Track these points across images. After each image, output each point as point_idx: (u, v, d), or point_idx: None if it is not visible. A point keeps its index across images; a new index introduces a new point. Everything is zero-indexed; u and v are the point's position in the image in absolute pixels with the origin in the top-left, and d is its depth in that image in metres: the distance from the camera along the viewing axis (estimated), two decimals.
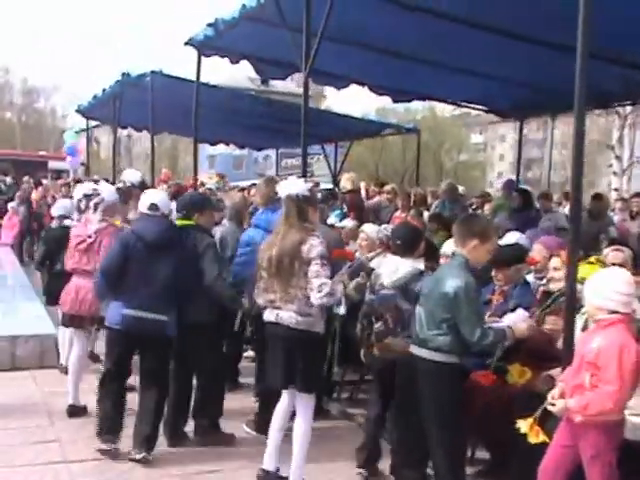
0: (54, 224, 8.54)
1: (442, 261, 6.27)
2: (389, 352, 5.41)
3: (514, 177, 14.59)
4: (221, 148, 32.76)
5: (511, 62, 9.42)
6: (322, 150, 17.89)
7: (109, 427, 5.84)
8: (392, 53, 9.45)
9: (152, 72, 12.04)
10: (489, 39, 8.41)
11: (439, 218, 9.96)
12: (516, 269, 6.07)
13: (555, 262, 5.75)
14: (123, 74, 12.97)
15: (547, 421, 4.25)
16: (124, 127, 17.37)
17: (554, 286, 5.62)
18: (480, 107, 13.24)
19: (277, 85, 43.08)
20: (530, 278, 6.36)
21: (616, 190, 26.97)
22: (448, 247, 6.39)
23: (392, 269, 5.49)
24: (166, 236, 5.92)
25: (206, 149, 42.95)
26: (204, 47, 10.01)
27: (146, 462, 5.65)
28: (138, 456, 5.67)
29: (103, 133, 43.02)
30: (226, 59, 10.24)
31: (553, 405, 4.16)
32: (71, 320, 6.93)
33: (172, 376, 6.09)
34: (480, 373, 5.36)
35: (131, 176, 8.71)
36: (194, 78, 10.22)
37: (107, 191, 7.05)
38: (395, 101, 12.02)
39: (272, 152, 44.22)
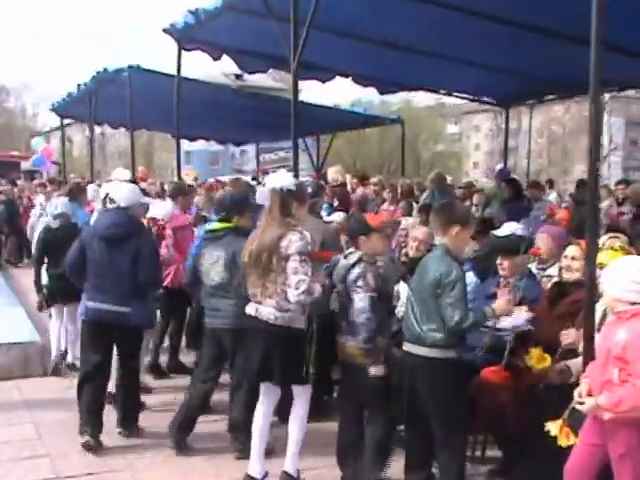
0: (54, 224, 8.15)
1: None
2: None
3: (499, 166, 14.46)
4: (197, 144, 32.48)
5: (498, 50, 9.27)
6: (304, 143, 17.59)
7: (87, 420, 5.92)
8: (380, 43, 9.25)
9: (129, 67, 11.75)
10: (477, 27, 8.24)
11: (428, 209, 9.76)
12: (522, 259, 5.87)
13: (572, 251, 5.44)
14: (99, 70, 12.66)
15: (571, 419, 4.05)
16: (100, 124, 16.98)
17: (569, 275, 5.38)
18: (465, 96, 13.05)
19: (252, 80, 42.73)
20: (532, 269, 6.18)
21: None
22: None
23: None
24: (121, 230, 5.96)
25: (182, 145, 42.63)
26: (184, 39, 9.78)
27: (126, 436, 6.06)
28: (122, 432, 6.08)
29: (76, 132, 42.55)
30: (206, 55, 10.03)
31: (582, 404, 3.94)
32: None
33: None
34: (492, 369, 5.16)
35: (121, 175, 8.68)
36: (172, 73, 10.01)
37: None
38: (381, 93, 11.78)
39: (249, 147, 44.32)
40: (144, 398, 6.72)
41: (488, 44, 8.98)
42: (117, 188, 6.41)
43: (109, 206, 6.25)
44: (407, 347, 4.75)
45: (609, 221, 10.51)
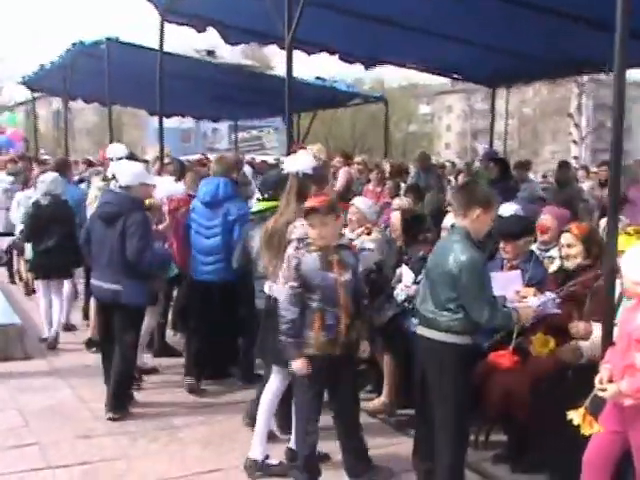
0: (44, 200, 8.05)
1: (443, 235, 5.90)
2: None
3: (481, 147, 14.35)
4: (169, 122, 32.02)
5: (489, 28, 9.07)
6: (284, 121, 17.29)
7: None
8: (367, 18, 9.00)
9: (108, 39, 11.34)
10: (467, 3, 8.05)
11: (416, 189, 9.62)
12: (525, 242, 5.76)
13: (567, 238, 5.38)
14: (74, 43, 12.25)
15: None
16: (73, 99, 16.52)
17: (570, 263, 5.29)
18: (453, 75, 12.87)
19: (224, 56, 42.15)
20: (534, 249, 6.02)
21: (576, 158, 27.05)
22: (448, 220, 6.08)
23: None
24: (114, 208, 6.08)
25: (153, 122, 42.02)
26: (167, 12, 9.48)
27: (114, 420, 5.98)
28: (108, 415, 6.03)
29: (41, 106, 41.73)
30: (190, 28, 9.74)
31: (603, 390, 3.79)
32: None
33: None
34: (500, 354, 4.99)
35: (118, 151, 8.41)
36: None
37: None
38: (367, 68, 11.53)
39: (220, 125, 43.75)
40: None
41: (478, 21, 8.78)
42: (119, 167, 6.38)
43: (113, 185, 6.30)
44: (421, 331, 4.57)
45: (597, 203, 10.42)
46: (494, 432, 5.48)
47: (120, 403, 6.15)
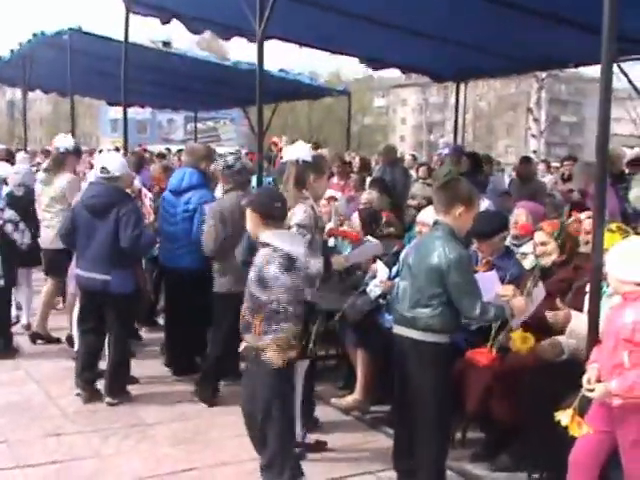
0: (17, 191, 8.00)
1: (421, 230, 5.87)
2: None
3: (442, 140, 14.41)
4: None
5: (453, 22, 9.05)
6: (244, 113, 17.24)
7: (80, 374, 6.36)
8: (334, 11, 8.93)
9: (70, 29, 11.16)
10: None
11: (381, 183, 9.58)
12: (500, 238, 5.77)
13: (540, 236, 5.50)
14: (35, 33, 12.03)
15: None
16: (32, 89, 16.23)
17: (546, 261, 5.35)
18: (416, 70, 12.88)
19: (180, 48, 41.77)
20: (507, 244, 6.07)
21: (535, 152, 27.35)
22: (427, 215, 6.06)
23: None
24: (103, 200, 6.16)
25: (108, 113, 41.53)
26: (132, 3, 9.35)
27: (112, 405, 6.20)
28: (107, 399, 6.23)
29: None
30: (153, 19, 9.60)
31: (592, 390, 3.78)
32: None
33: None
34: (477, 351, 5.01)
35: (64, 142, 8.30)
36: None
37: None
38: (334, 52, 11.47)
39: (176, 116, 43.47)
40: None
41: (441, 16, 8.77)
42: (110, 158, 6.66)
43: (99, 176, 6.32)
44: (398, 330, 4.56)
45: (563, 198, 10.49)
46: (471, 430, 5.48)
47: (120, 386, 6.35)
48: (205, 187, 7.13)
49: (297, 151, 5.26)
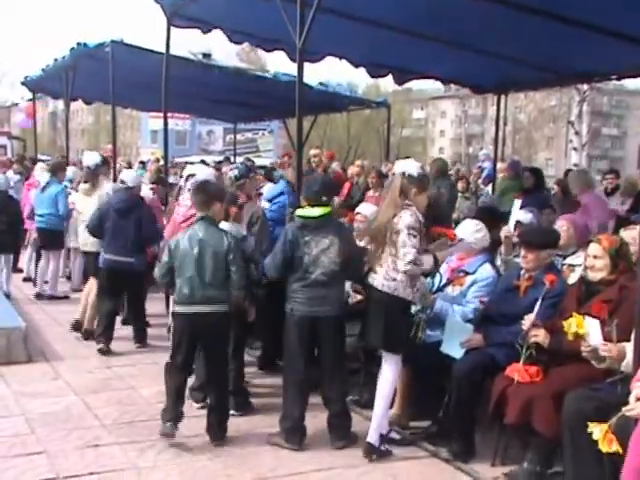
0: None
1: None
2: None
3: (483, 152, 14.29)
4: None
5: (495, 34, 8.97)
6: (284, 124, 17.26)
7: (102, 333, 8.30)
8: (378, 25, 8.91)
9: (112, 42, 11.25)
10: (477, 10, 7.96)
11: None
12: (548, 254, 5.66)
13: (594, 249, 5.10)
14: (78, 44, 12.16)
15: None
16: (74, 100, 16.43)
17: (594, 275, 5.12)
18: (457, 82, 12.79)
19: (219, 60, 42.07)
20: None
21: (576, 165, 27.02)
22: (462, 231, 6.18)
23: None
24: (127, 204, 8.31)
25: (149, 124, 41.94)
26: (174, 16, 9.41)
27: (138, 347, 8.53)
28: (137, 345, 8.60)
29: (37, 107, 41.61)
30: (192, 29, 9.65)
31: (633, 410, 3.64)
32: None
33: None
34: (513, 368, 5.03)
35: (92, 159, 9.77)
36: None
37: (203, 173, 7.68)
38: (372, 76, 11.47)
39: (215, 127, 43.72)
40: None
41: (483, 28, 8.69)
42: (128, 174, 8.97)
43: (120, 186, 8.66)
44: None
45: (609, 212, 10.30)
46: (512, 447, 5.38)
47: (144, 338, 8.59)
48: None
49: (406, 166, 5.60)
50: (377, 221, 5.64)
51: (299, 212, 5.80)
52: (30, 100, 20.02)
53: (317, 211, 5.63)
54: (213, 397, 5.79)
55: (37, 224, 11.04)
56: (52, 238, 10.96)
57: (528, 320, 5.11)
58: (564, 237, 6.10)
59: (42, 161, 15.47)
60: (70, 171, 11.90)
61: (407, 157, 8.26)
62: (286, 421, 5.65)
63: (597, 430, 3.74)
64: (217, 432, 5.68)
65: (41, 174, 11.78)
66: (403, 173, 5.52)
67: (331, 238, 5.59)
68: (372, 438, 5.46)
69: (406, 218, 5.37)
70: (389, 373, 5.51)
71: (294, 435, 5.60)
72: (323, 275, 5.57)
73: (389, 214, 5.47)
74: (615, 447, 3.71)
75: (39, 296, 11.00)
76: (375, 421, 5.47)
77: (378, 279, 5.46)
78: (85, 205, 9.44)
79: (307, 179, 6.51)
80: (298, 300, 5.64)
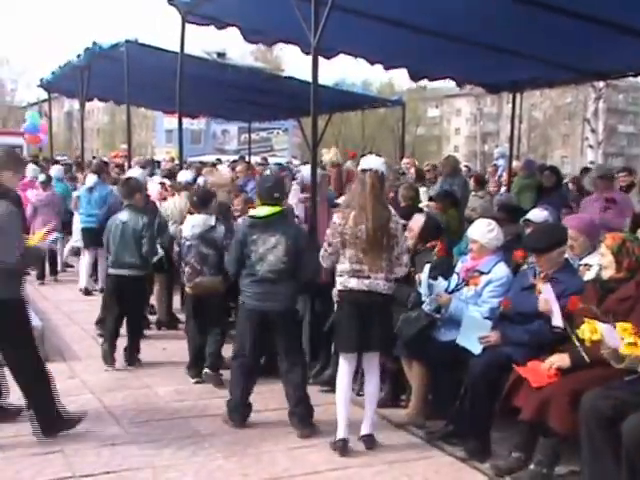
0: None
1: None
2: (201, 289, 7.05)
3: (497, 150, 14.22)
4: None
5: (513, 32, 8.92)
6: (298, 123, 17.27)
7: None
8: (392, 23, 8.88)
9: (127, 41, 11.32)
10: (493, 8, 7.93)
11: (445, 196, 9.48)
12: (558, 253, 5.58)
13: (601, 248, 5.17)
14: (94, 44, 12.21)
15: None
16: (90, 99, 16.51)
17: (604, 273, 5.10)
18: (472, 82, 12.74)
19: (234, 59, 42.24)
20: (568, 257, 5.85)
21: (592, 163, 26.86)
22: (475, 231, 6.19)
23: (191, 224, 7.14)
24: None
25: (163, 123, 42.05)
26: (189, 14, 9.42)
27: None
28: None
29: (53, 107, 41.82)
30: (207, 27, 9.67)
31: None
32: None
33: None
34: (532, 369, 4.99)
35: (186, 176, 9.74)
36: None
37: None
38: (386, 69, 11.42)
39: (230, 127, 43.76)
40: None
41: (500, 26, 8.65)
42: (133, 171, 9.07)
43: None
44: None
45: None
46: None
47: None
48: None
49: (374, 162, 5.54)
50: (372, 223, 5.34)
51: (250, 212, 6.14)
52: (35, 104, 20.19)
53: (264, 211, 5.83)
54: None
55: (84, 224, 11.43)
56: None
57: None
58: (576, 247, 6.00)
59: (57, 162, 15.64)
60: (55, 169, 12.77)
61: (406, 157, 8.30)
62: (230, 401, 6.04)
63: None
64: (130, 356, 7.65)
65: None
66: (376, 171, 5.45)
67: (278, 237, 5.77)
68: (371, 429, 5.63)
69: (400, 225, 5.54)
70: (376, 369, 5.66)
71: (235, 413, 5.99)
72: (270, 272, 5.79)
73: (384, 216, 5.40)
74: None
75: (87, 291, 11.58)
76: (370, 415, 5.63)
77: (380, 283, 5.44)
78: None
79: (261, 178, 7.00)
80: (247, 294, 5.92)
